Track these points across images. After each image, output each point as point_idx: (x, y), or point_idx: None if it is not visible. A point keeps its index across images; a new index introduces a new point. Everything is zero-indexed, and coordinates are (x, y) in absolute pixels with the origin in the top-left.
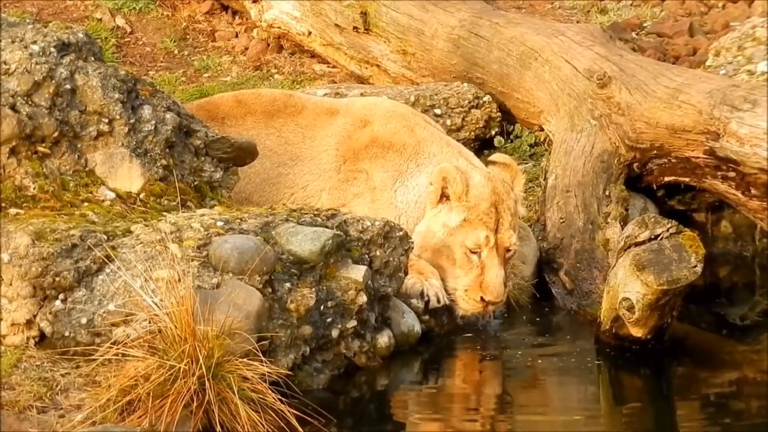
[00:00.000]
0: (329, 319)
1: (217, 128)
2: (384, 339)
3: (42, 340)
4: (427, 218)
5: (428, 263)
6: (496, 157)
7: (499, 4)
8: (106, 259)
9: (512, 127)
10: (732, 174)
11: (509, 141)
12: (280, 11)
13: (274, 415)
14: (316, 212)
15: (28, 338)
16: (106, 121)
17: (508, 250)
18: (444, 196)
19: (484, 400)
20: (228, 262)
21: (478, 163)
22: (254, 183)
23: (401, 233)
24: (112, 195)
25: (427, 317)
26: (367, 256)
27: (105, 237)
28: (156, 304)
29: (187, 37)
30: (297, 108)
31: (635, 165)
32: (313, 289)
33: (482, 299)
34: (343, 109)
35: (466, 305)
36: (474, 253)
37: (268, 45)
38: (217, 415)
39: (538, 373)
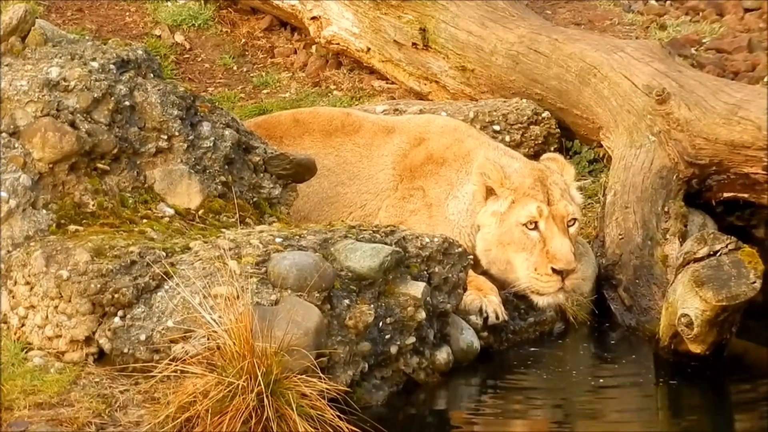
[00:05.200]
0: (388, 336)
1: (275, 147)
2: (443, 355)
3: (101, 356)
4: (481, 220)
5: (496, 266)
6: (543, 157)
7: (558, 20)
8: (164, 276)
9: (571, 143)
10: None
11: (568, 157)
12: (339, 28)
13: (332, 431)
14: (374, 229)
15: (87, 355)
16: (165, 137)
17: (570, 224)
18: (489, 192)
19: (543, 418)
20: (287, 279)
21: (523, 159)
22: (313, 202)
23: (460, 249)
24: (171, 211)
25: (485, 333)
26: (426, 272)
27: (164, 254)
28: (215, 321)
29: (246, 53)
30: (354, 127)
31: (694, 181)
32: (372, 306)
33: (554, 271)
34: (399, 127)
35: (541, 285)
36: (531, 229)
37: (327, 61)
38: (275, 431)
39: (596, 389)
